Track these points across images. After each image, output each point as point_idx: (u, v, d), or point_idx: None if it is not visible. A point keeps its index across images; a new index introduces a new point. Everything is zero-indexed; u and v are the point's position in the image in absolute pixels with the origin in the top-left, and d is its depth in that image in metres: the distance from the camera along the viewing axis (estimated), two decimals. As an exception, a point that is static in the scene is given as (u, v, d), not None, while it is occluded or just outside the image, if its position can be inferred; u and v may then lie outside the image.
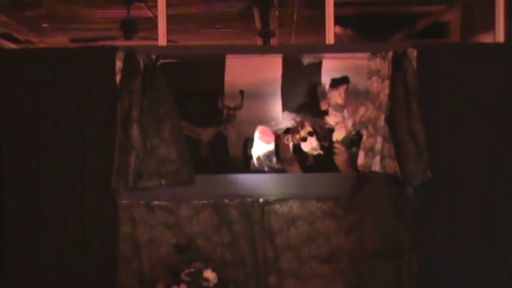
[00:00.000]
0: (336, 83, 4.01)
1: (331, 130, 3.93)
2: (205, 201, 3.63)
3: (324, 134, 3.91)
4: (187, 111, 4.07)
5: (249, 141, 4.05)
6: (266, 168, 3.87)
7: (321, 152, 3.89)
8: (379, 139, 3.60)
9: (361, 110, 3.86)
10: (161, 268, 3.60)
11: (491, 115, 3.55)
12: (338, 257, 3.62)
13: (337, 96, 3.96)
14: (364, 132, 3.70)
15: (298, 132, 3.92)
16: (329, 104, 4.00)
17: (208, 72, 4.53)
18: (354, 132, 3.87)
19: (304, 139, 3.89)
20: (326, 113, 4.01)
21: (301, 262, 3.63)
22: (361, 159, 3.66)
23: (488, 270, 3.55)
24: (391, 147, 3.53)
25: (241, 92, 4.34)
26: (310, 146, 3.89)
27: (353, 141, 3.84)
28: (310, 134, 3.90)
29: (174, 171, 3.54)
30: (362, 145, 3.68)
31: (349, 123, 3.88)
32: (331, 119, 3.96)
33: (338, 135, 3.89)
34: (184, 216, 3.63)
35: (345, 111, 3.97)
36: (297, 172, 3.94)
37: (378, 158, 3.60)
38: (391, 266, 3.55)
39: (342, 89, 3.96)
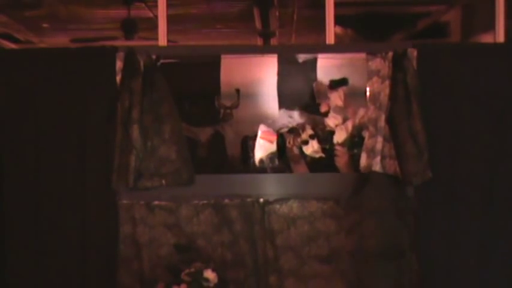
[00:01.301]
0: (335, 84, 4.00)
1: (331, 132, 3.92)
2: (205, 201, 3.63)
3: (325, 137, 3.91)
4: (184, 111, 4.07)
5: (246, 140, 4.05)
6: (269, 170, 3.87)
7: (323, 155, 3.88)
8: (380, 139, 3.60)
9: (361, 112, 3.85)
10: (161, 268, 3.60)
11: (491, 115, 3.55)
12: (338, 257, 3.62)
13: (337, 98, 3.95)
14: (366, 134, 3.70)
15: (299, 135, 3.91)
16: (329, 106, 3.99)
17: (204, 72, 4.53)
18: (355, 134, 3.86)
19: (306, 142, 3.88)
20: (325, 114, 4.01)
21: (302, 262, 3.63)
22: (363, 161, 3.66)
23: (488, 269, 3.55)
24: (391, 147, 3.53)
25: (238, 90, 4.34)
26: (312, 148, 3.88)
27: (354, 143, 3.83)
28: (312, 137, 3.89)
29: (174, 171, 3.54)
30: (364, 147, 3.68)
31: (350, 124, 3.87)
32: (331, 121, 3.95)
33: (339, 137, 3.88)
34: (185, 216, 3.63)
35: (344, 114, 3.97)
36: (304, 171, 3.94)
37: (378, 158, 3.60)
38: (392, 266, 3.55)
39: (341, 91, 3.96)
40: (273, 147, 3.91)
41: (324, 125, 3.97)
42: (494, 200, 3.54)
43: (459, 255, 3.54)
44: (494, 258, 3.55)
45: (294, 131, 3.95)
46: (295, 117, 4.23)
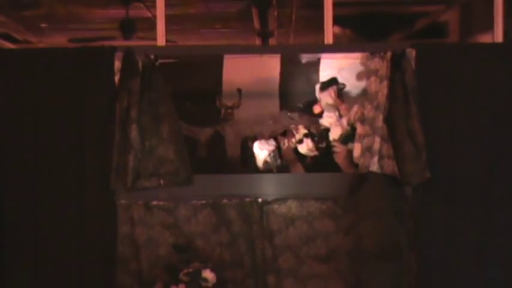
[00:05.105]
0: (324, 86, 4.03)
1: (327, 130, 3.94)
2: (203, 201, 3.63)
3: (320, 135, 3.93)
4: (184, 110, 4.07)
5: (246, 141, 4.05)
6: (274, 170, 3.89)
7: (317, 153, 3.90)
8: (377, 139, 3.60)
9: (355, 108, 3.87)
10: (160, 268, 3.60)
11: (490, 115, 3.55)
12: (337, 257, 3.62)
13: (327, 97, 3.99)
14: (358, 125, 3.72)
15: (293, 136, 3.93)
16: (321, 107, 4.02)
17: (206, 71, 4.52)
18: (348, 128, 3.89)
19: (300, 141, 3.91)
20: (320, 115, 4.03)
21: (300, 262, 3.64)
22: (356, 151, 3.68)
23: (487, 270, 3.55)
24: (389, 147, 3.53)
25: (239, 90, 4.34)
26: (307, 147, 3.90)
27: (348, 137, 3.85)
28: (306, 135, 3.91)
29: (172, 171, 3.54)
30: (357, 137, 3.69)
31: (344, 121, 3.90)
32: (326, 121, 3.98)
33: (334, 133, 3.91)
34: (183, 216, 3.63)
35: (337, 112, 3.99)
36: (300, 171, 3.94)
37: (376, 158, 3.60)
38: (390, 266, 3.55)
39: (331, 90, 3.99)
40: (272, 147, 3.92)
41: (319, 125, 3.99)
42: (493, 200, 3.54)
43: (458, 255, 3.54)
44: (494, 258, 3.55)
45: (288, 133, 3.97)
46: (296, 119, 4.24)
